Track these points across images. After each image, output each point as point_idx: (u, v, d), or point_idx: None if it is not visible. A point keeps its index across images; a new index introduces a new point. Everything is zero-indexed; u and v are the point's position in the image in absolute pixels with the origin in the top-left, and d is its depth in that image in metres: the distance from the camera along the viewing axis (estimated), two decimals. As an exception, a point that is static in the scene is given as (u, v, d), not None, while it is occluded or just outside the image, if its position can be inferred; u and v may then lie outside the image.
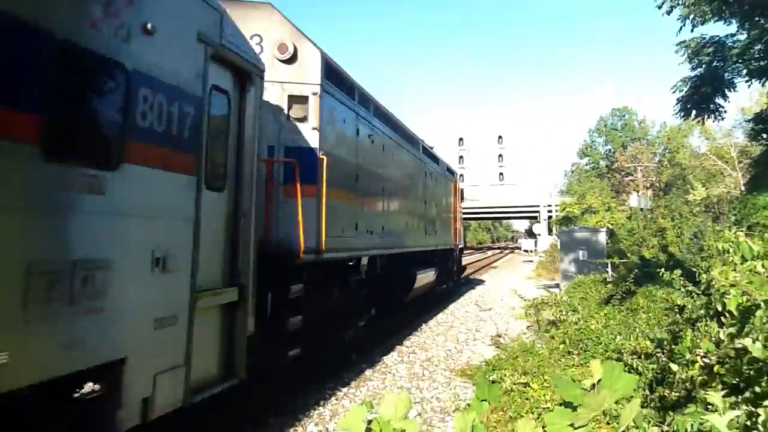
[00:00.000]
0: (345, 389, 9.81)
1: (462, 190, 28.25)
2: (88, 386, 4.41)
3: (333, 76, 10.02)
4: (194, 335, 5.61)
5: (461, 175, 32.44)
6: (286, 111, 8.95)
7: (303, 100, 9.09)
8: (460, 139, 56.25)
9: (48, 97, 4.00)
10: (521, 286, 26.72)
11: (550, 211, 65.18)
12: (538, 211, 69.00)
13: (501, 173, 54.76)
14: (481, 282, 32.26)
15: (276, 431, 7.76)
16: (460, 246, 26.73)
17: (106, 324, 4.46)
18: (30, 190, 3.90)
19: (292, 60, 8.99)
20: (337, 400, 9.27)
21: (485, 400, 1.91)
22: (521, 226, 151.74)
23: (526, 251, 78.23)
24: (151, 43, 5.01)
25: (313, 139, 9.06)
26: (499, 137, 54.50)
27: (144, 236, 4.97)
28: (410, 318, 16.82)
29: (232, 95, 6.75)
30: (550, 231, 62.05)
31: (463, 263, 31.09)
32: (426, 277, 17.39)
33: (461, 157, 55.25)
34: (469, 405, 1.98)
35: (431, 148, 20.44)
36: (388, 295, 14.62)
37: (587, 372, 2.36)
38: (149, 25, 4.94)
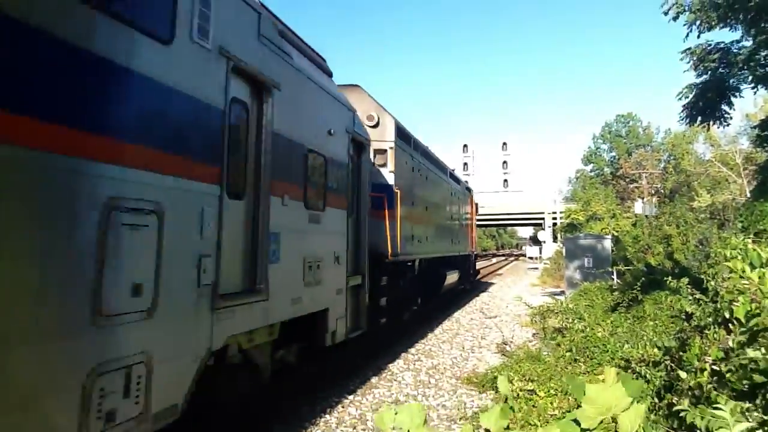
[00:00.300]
0: (351, 397, 9.80)
1: (477, 204, 33.12)
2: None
3: (401, 134, 14.70)
4: (347, 301, 9.80)
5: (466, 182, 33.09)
6: (373, 160, 12.93)
7: (383, 152, 13.63)
8: (465, 146, 56.12)
9: (305, 176, 8.03)
10: (526, 294, 26.72)
11: (554, 218, 65.08)
12: (542, 218, 68.95)
13: (505, 180, 54.60)
14: (485, 289, 32.19)
15: (283, 439, 7.76)
16: (475, 252, 31.47)
17: (323, 291, 8.61)
18: (307, 223, 8.11)
19: (376, 126, 13.48)
20: (343, 407, 9.26)
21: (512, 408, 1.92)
22: (526, 233, 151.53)
23: (530, 258, 77.94)
24: (333, 140, 9.13)
25: (391, 179, 13.57)
26: (504, 144, 54.36)
27: (333, 245, 9.10)
28: (415, 326, 16.79)
29: (356, 160, 10.84)
30: (554, 238, 61.90)
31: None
32: (452, 276, 21.64)
33: (465, 164, 55.10)
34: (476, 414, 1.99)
35: (453, 170, 25.94)
36: (427, 289, 18.57)
37: (594, 380, 2.37)
38: (332, 130, 9.09)
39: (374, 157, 13.08)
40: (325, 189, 8.71)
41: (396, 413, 2.07)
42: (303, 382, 9.34)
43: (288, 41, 7.87)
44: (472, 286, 31.20)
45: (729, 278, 5.11)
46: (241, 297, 6.31)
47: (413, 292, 16.61)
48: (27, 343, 3.59)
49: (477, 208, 32.97)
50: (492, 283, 37.16)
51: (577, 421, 1.87)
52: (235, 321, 6.05)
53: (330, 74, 9.83)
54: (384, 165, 13.48)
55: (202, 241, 5.39)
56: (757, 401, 3.55)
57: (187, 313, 5.23)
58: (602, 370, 7.89)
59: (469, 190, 29.11)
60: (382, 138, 13.55)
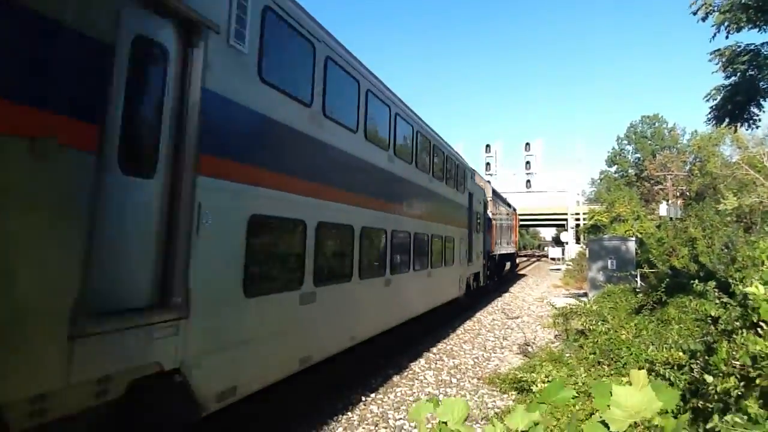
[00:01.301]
0: (372, 395, 9.85)
1: (518, 217, 51.10)
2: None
3: (494, 192, 32.36)
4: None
5: (488, 182, 34.27)
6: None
7: (487, 203, 27.10)
8: (487, 146, 56.03)
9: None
10: (548, 295, 26.55)
11: (577, 219, 64.59)
12: (565, 219, 68.35)
13: (528, 180, 54.38)
14: (507, 290, 32.07)
15: (305, 435, 7.82)
16: (516, 250, 48.90)
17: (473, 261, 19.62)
18: None
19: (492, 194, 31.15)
20: (365, 405, 9.30)
21: (544, 403, 1.94)
22: (548, 233, 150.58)
23: (553, 259, 77.58)
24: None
25: (488, 215, 28.14)
26: (527, 144, 54.13)
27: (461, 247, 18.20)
28: (436, 325, 16.78)
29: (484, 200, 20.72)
30: (577, 239, 61.48)
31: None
32: (508, 264, 41.26)
33: (488, 164, 55.03)
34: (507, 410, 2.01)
35: (506, 194, 42.59)
36: (497, 271, 33.56)
37: (618, 383, 2.36)
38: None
39: (485, 205, 26.79)
40: (477, 224, 16.29)
41: (437, 405, 2.08)
42: (325, 379, 9.39)
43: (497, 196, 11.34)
44: (513, 274, 46.03)
45: (757, 282, 5.04)
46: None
47: (495, 269, 32.06)
48: None
49: (517, 219, 50.08)
50: (514, 284, 36.99)
51: (605, 424, 1.87)
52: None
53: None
54: (486, 208, 27.09)
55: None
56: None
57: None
58: (626, 372, 7.86)
59: (514, 210, 45.58)
60: (487, 196, 28.04)
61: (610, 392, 2.06)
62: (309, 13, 7.83)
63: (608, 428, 1.87)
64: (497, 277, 33.05)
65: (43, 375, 3.80)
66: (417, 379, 11.15)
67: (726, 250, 19.99)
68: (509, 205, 40.78)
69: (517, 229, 45.74)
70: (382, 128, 11.01)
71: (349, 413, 8.88)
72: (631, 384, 2.23)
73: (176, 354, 5.03)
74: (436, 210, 15.68)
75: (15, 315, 3.59)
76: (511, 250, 39.64)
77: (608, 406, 1.99)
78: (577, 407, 7.21)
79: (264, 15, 6.59)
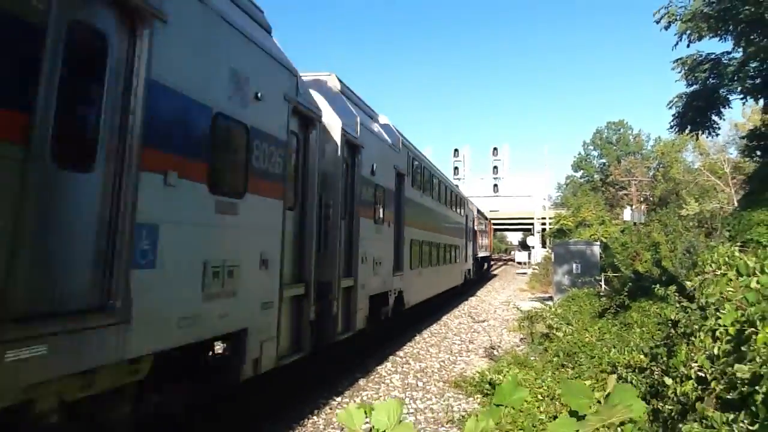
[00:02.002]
0: (339, 398, 9.81)
1: (492, 226, 64.12)
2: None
3: (477, 211, 41.70)
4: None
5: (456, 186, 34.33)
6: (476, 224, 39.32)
7: (474, 219, 37.58)
8: (455, 150, 56.55)
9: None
10: (515, 299, 26.80)
11: (543, 224, 65.31)
12: (532, 224, 69.09)
13: (495, 185, 55.03)
14: (474, 293, 32.28)
15: (270, 440, 7.75)
16: (491, 254, 61.90)
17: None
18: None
19: (477, 212, 41.15)
20: (331, 409, 9.26)
21: (502, 405, 1.94)
22: (515, 238, 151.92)
23: (519, 263, 78.32)
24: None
25: (474, 227, 37.96)
26: (494, 149, 54.75)
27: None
28: (404, 328, 16.80)
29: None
30: (543, 243, 62.15)
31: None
32: (485, 264, 52.03)
33: (456, 168, 55.49)
34: (479, 412, 2.01)
35: (473, 199, 42.99)
36: (481, 266, 45.38)
37: (582, 385, 2.39)
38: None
39: (477, 222, 39.64)
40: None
41: (370, 411, 2.05)
42: (290, 383, 9.33)
43: None
44: (488, 272, 56.25)
45: (715, 286, 5.16)
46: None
47: (478, 267, 40.41)
48: None
49: (492, 228, 61.80)
50: (481, 287, 37.26)
51: (576, 416, 1.89)
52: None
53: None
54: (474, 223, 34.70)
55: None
56: (743, 412, 3.59)
57: None
58: (589, 375, 7.97)
59: (489, 221, 55.46)
60: (474, 213, 37.51)
61: (577, 390, 2.07)
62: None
63: (578, 420, 1.89)
64: (479, 272, 43.55)
65: None
66: (383, 383, 11.14)
67: (687, 255, 20.39)
68: (486, 218, 51.18)
69: (492, 236, 57.84)
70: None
71: (315, 417, 8.83)
72: (596, 386, 2.26)
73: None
74: (450, 228, 25.27)
75: None
76: (487, 254, 52.34)
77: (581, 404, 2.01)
78: (540, 409, 7.28)
79: None
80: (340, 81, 11.72)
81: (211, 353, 7.14)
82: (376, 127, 13.46)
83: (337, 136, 10.02)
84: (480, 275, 43.22)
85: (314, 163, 8.97)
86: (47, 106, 3.94)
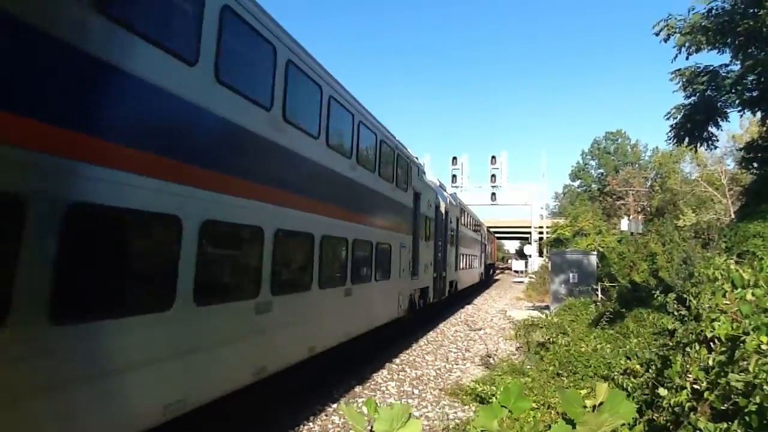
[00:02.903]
0: (335, 405, 9.81)
1: (496, 238, 76.02)
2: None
3: (487, 229, 56.95)
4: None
5: (455, 193, 34.21)
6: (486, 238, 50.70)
7: (448, 209, 25.74)
8: (454, 158, 56.48)
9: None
10: (511, 308, 26.80)
11: (541, 233, 65.37)
12: (529, 232, 69.13)
13: (493, 193, 54.93)
14: (471, 302, 32.27)
15: (265, 446, 7.75)
16: (494, 261, 74.51)
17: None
18: None
19: (487, 231, 54.56)
20: (326, 416, 9.27)
21: (506, 407, 1.98)
22: (512, 246, 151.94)
23: (516, 272, 78.36)
24: None
25: (483, 239, 48.90)
26: (492, 158, 54.69)
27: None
28: (400, 335, 16.80)
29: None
30: (540, 252, 62.15)
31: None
32: (491, 270, 66.99)
33: (454, 176, 55.44)
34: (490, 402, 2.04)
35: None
36: (488, 270, 57.55)
37: (578, 394, 2.42)
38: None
39: (486, 237, 50.63)
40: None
41: (375, 408, 2.07)
42: (286, 389, 9.33)
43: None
44: (492, 277, 66.13)
45: (711, 298, 5.19)
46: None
47: (488, 270, 55.99)
48: None
49: (494, 239, 69.22)
50: (477, 296, 37.25)
51: (571, 423, 1.91)
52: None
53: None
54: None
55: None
56: (736, 422, 3.62)
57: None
58: (585, 385, 7.98)
59: (493, 234, 68.41)
60: (484, 230, 48.82)
61: (572, 399, 2.10)
62: None
63: (573, 428, 1.92)
64: (487, 274, 55.43)
65: None
66: (379, 390, 11.15)
67: (684, 266, 20.42)
68: (491, 233, 61.90)
69: (494, 243, 70.95)
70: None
71: (311, 424, 8.84)
72: (593, 394, 2.29)
73: None
74: (474, 243, 37.00)
75: None
76: (492, 261, 65.75)
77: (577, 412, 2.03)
78: (537, 418, 7.29)
79: None
80: (440, 183, 23.01)
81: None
82: (446, 195, 22.44)
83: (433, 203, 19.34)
84: (488, 276, 56.32)
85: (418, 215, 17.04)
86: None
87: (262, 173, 7.51)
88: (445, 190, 26.31)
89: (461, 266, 29.56)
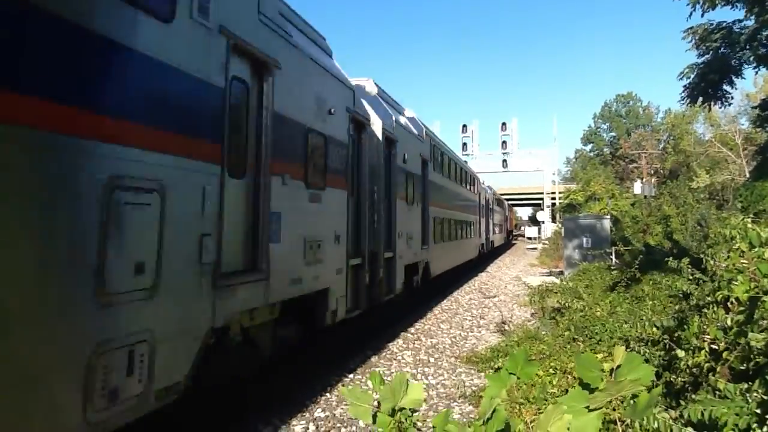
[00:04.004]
0: (351, 375, 9.88)
1: (513, 208, 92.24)
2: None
3: (507, 201, 71.81)
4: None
5: (465, 162, 34.05)
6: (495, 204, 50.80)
7: (501, 203, 57.48)
8: (464, 126, 56.11)
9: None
10: (525, 274, 26.81)
11: (553, 199, 65.07)
12: (541, 199, 68.85)
13: (504, 160, 54.69)
14: (484, 269, 32.29)
15: (284, 416, 7.80)
16: (512, 229, 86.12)
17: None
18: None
19: (497, 198, 54.88)
20: (343, 386, 9.32)
21: (514, 374, 1.94)
22: (525, 213, 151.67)
23: (529, 239, 78.28)
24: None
25: (504, 212, 62.41)
26: (503, 124, 54.31)
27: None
28: (414, 306, 16.86)
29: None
30: (553, 218, 61.96)
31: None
32: (509, 235, 78.40)
33: (465, 144, 55.14)
34: (496, 371, 2.00)
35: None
36: (509, 235, 76.15)
37: (594, 358, 2.38)
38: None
39: (497, 204, 48.88)
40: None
41: (380, 383, 2.04)
42: (303, 360, 9.39)
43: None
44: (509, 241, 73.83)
45: (728, 258, 5.12)
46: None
47: (508, 235, 70.64)
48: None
49: (511, 208, 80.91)
50: (491, 263, 37.26)
51: (588, 388, 1.88)
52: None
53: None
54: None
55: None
56: (757, 382, 3.57)
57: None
58: (601, 349, 7.96)
59: (510, 206, 78.32)
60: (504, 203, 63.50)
61: (589, 363, 2.06)
62: None
63: (590, 393, 1.88)
64: (510, 239, 68.39)
65: None
66: (395, 359, 11.20)
67: (699, 227, 20.29)
68: (501, 203, 61.00)
69: (512, 215, 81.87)
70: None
71: (328, 394, 8.89)
72: (607, 358, 2.25)
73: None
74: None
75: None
76: (510, 228, 75.49)
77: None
78: (553, 383, 7.29)
79: None
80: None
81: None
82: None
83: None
84: (508, 240, 68.28)
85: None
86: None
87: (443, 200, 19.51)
88: (490, 188, 42.58)
89: (495, 232, 46.08)
